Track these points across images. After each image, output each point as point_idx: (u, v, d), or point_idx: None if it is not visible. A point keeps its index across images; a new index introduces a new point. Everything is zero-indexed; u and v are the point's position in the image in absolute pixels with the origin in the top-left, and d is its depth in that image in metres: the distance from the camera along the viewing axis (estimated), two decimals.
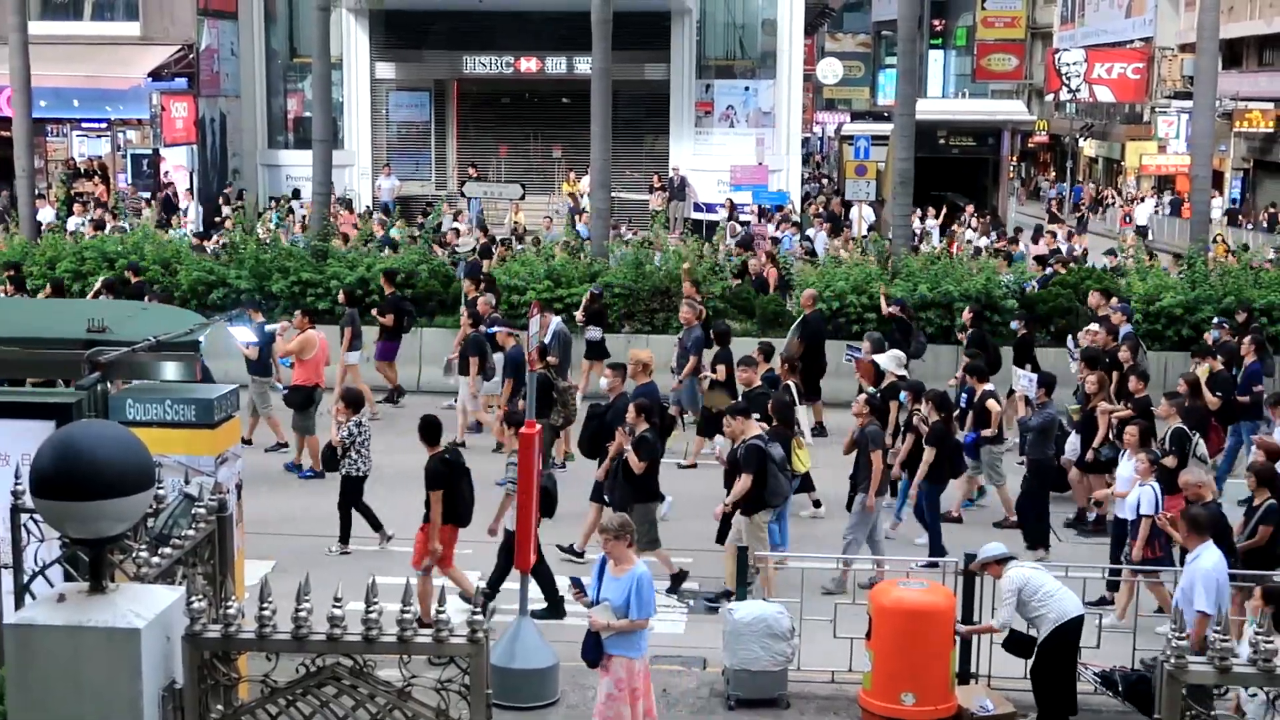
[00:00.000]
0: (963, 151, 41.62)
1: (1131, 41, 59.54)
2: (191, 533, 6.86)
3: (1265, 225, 45.51)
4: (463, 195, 37.91)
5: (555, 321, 20.07)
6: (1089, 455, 16.47)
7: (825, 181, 53.43)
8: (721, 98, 41.36)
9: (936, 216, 37.20)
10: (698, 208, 38.11)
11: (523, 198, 36.27)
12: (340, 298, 21.77)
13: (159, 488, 6.78)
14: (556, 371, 18.02)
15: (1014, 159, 56.29)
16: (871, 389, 17.29)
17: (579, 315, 21.85)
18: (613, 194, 29.13)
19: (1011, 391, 18.35)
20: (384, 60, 41.68)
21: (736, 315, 23.14)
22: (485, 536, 13.93)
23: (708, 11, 41.68)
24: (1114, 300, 21.64)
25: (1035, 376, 17.15)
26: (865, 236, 30.06)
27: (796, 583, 12.61)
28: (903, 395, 16.90)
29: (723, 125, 41.18)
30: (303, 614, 6.16)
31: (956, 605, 11.64)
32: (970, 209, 38.62)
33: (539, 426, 12.34)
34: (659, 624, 13.78)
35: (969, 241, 32.56)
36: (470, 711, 6.30)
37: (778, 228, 34.13)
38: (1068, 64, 59.28)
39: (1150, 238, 44.68)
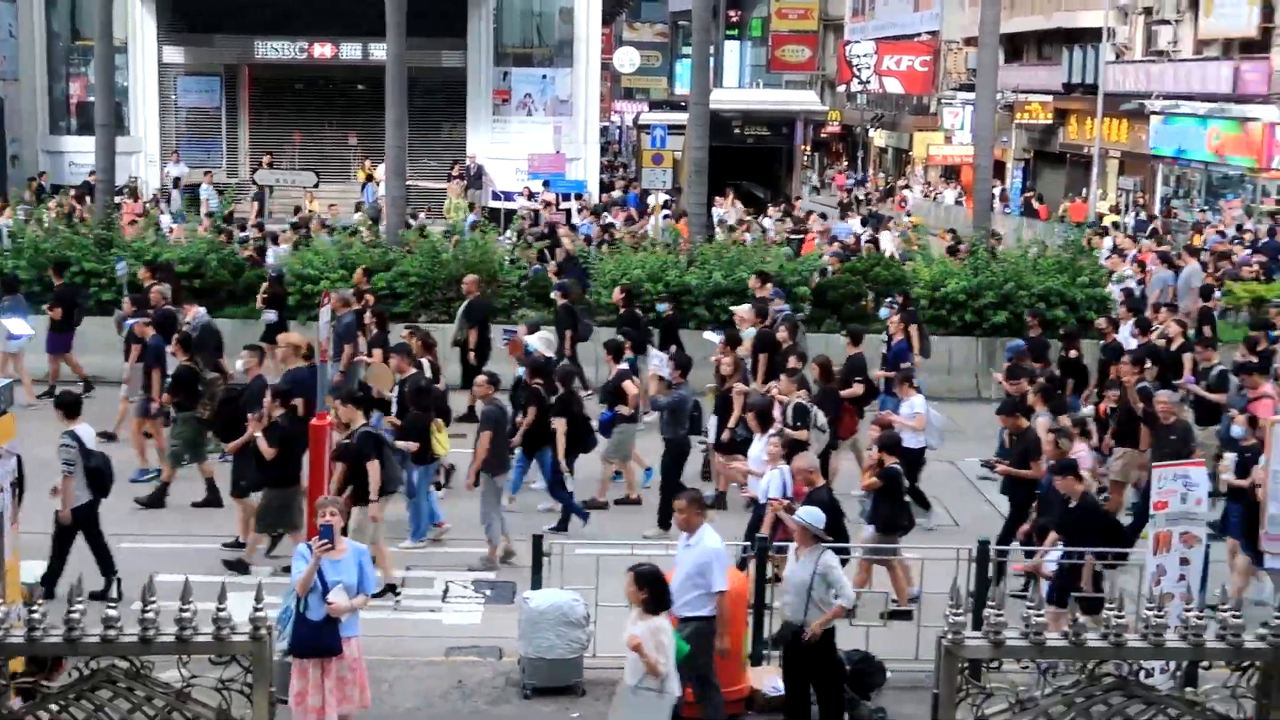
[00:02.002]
0: (757, 141, 42.19)
1: (919, 35, 61.16)
2: None
3: (1022, 210, 47.13)
4: (254, 183, 37.16)
5: (200, 312, 19.59)
6: (725, 436, 16.69)
7: (622, 170, 53.74)
8: (519, 86, 41.27)
9: (730, 205, 37.63)
10: (495, 196, 37.98)
11: (317, 185, 35.69)
12: None
13: None
14: (203, 362, 17.43)
15: (807, 149, 57.34)
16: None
17: (259, 299, 21.58)
18: (409, 182, 28.84)
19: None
20: (172, 44, 40.60)
21: (535, 304, 23.15)
22: None
23: None
24: (769, 283, 21.75)
25: (667, 355, 17.55)
26: (662, 224, 30.34)
27: (591, 569, 12.64)
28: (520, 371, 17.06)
29: (520, 113, 41.11)
30: (75, 615, 5.99)
31: (749, 588, 11.83)
32: (798, 203, 39.29)
33: (329, 418, 12.18)
34: (455, 615, 13.79)
35: (764, 229, 33.02)
36: (253, 710, 6.21)
37: (579, 214, 34.27)
38: (858, 56, 60.63)
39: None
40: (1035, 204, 47.49)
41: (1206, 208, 40.40)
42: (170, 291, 20.09)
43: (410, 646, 12.67)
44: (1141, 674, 7.23)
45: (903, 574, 13.55)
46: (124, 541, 14.36)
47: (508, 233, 28.81)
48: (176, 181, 38.22)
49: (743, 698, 11.50)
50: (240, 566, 14.24)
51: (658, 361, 17.76)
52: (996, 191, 48.15)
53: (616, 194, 39.45)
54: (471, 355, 20.29)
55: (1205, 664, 6.89)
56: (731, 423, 16.57)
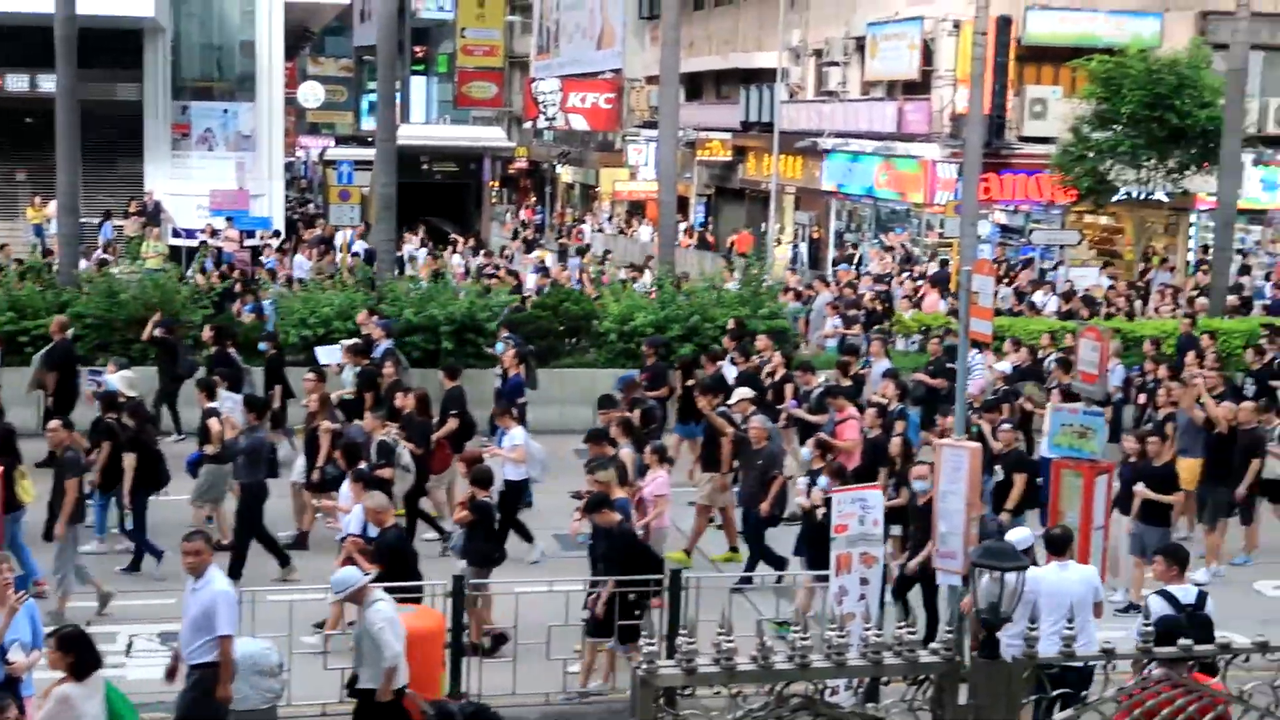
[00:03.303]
0: (446, 177, 42.25)
1: (603, 73, 62.16)
2: None
3: (697, 245, 48.47)
4: None
5: None
6: (315, 475, 16.46)
7: (310, 206, 52.89)
8: (199, 120, 40.22)
9: (420, 242, 37.51)
10: (176, 233, 36.84)
11: None
12: None
13: None
14: None
15: (495, 185, 57.63)
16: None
17: None
18: (82, 219, 27.72)
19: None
20: None
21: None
22: None
23: (182, 31, 40.42)
24: (376, 317, 21.89)
25: (240, 398, 17.41)
26: (350, 262, 30.01)
27: (284, 616, 12.40)
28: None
29: (201, 148, 40.06)
30: None
31: (445, 628, 11.79)
32: (516, 244, 39.19)
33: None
34: (140, 670, 13.27)
35: (458, 265, 33.00)
36: None
37: (266, 252, 33.58)
38: (544, 93, 61.24)
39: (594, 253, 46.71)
40: (708, 237, 49.06)
41: (876, 241, 42.33)
42: None
43: None
44: (827, 693, 7.50)
45: (487, 611, 13.62)
46: None
47: (190, 270, 27.98)
48: None
49: None
50: None
51: (231, 404, 17.31)
52: (683, 228, 49.46)
53: (317, 232, 38.71)
54: (49, 400, 19.46)
55: (885, 680, 7.22)
56: (320, 460, 16.32)
